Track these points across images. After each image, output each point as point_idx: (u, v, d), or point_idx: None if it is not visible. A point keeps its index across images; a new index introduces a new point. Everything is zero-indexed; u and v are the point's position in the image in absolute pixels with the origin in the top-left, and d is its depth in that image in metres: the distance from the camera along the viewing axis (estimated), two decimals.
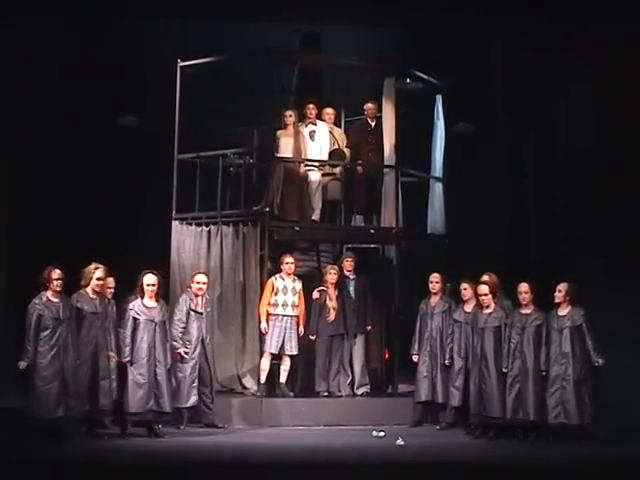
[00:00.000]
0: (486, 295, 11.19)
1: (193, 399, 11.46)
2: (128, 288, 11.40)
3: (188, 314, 11.55)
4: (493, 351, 11.02)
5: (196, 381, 11.47)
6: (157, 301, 11.06)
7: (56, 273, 10.48)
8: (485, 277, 11.49)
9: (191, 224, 12.91)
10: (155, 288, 11.01)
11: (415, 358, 11.96)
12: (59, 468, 9.30)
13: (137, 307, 10.94)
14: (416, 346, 11.96)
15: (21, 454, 9.73)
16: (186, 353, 11.41)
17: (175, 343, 11.42)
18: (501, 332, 11.04)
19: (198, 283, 11.64)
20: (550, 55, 13.22)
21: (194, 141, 12.98)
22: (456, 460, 10.01)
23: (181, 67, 13.05)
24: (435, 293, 12.01)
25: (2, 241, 11.99)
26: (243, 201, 12.71)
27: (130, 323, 10.89)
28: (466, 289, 11.67)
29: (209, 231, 12.81)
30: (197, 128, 13.06)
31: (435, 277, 12.03)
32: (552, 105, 13.43)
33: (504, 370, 10.94)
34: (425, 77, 13.44)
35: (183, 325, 11.52)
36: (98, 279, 10.76)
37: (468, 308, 11.66)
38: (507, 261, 13.21)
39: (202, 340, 11.54)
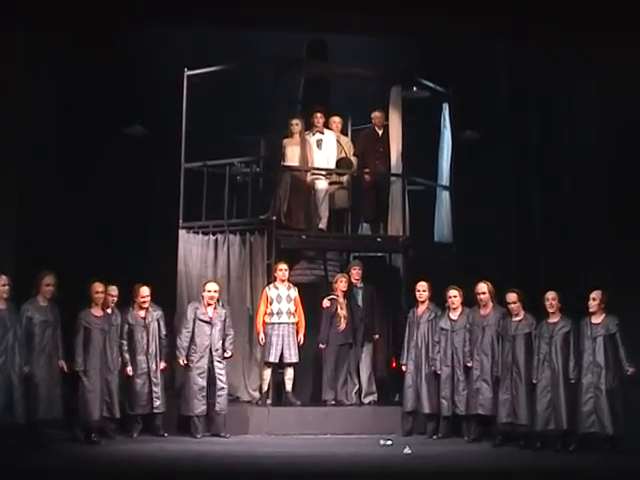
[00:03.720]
0: (514, 303, 11.14)
1: (201, 408, 11.46)
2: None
3: (194, 322, 11.57)
4: (524, 358, 10.99)
5: (204, 390, 11.47)
6: (104, 309, 11.13)
7: (2, 279, 10.46)
8: (482, 284, 11.47)
9: (198, 233, 12.92)
10: (104, 296, 11.09)
11: (404, 368, 11.93)
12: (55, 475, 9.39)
13: (86, 317, 11.03)
14: (405, 355, 11.94)
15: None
16: (188, 363, 11.45)
17: (177, 352, 11.52)
18: (532, 339, 11.01)
19: (209, 292, 11.65)
20: (555, 61, 13.22)
21: (201, 150, 13.00)
22: (464, 469, 10.00)
23: (188, 76, 13.08)
24: (422, 302, 11.95)
25: (10, 249, 11.97)
26: (250, 210, 12.73)
27: (81, 333, 10.96)
28: (456, 296, 11.65)
29: (216, 240, 12.81)
30: (204, 137, 13.09)
31: (422, 285, 11.96)
32: (558, 112, 13.41)
33: (533, 381, 10.89)
34: (431, 85, 13.45)
35: (189, 334, 11.55)
36: (47, 285, 10.72)
37: (454, 316, 11.64)
38: (514, 269, 13.17)
39: (210, 349, 11.53)
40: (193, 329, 11.56)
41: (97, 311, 11.11)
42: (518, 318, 11.17)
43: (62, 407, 10.78)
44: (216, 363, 11.52)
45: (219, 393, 11.50)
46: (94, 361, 10.96)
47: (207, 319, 11.58)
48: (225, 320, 11.68)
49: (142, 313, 11.53)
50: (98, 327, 11.03)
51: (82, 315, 11.04)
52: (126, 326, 11.47)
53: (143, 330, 11.47)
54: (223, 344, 11.62)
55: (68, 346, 10.97)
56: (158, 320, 11.58)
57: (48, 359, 10.67)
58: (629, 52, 11.98)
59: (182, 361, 11.51)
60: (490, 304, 11.46)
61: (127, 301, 11.66)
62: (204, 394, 11.47)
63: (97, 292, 11.07)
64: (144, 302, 11.50)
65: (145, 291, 11.53)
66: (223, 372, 11.56)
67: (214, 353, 11.53)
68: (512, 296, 11.19)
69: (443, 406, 11.56)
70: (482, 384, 11.32)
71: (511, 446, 11.00)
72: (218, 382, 11.50)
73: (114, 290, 11.39)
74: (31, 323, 10.62)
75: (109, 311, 11.30)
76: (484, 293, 11.46)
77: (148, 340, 11.45)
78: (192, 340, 11.54)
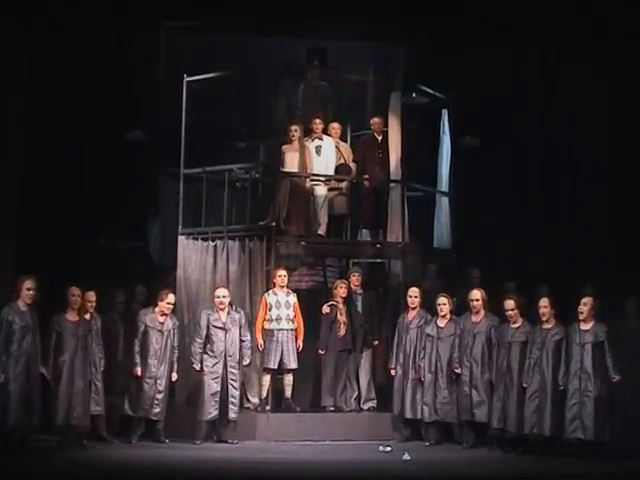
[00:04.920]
0: (512, 310, 11.15)
1: (213, 413, 11.47)
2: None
3: (208, 329, 11.57)
4: (518, 365, 11.00)
5: (217, 396, 11.46)
6: (81, 315, 11.02)
7: None
8: (476, 292, 11.47)
9: (197, 239, 12.89)
10: (80, 300, 11.00)
11: (392, 372, 11.95)
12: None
13: (60, 321, 10.93)
14: (393, 360, 11.96)
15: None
16: (202, 368, 11.45)
17: (192, 358, 11.53)
18: (527, 347, 11.01)
19: (218, 297, 11.68)
20: (556, 68, 13.23)
21: (200, 156, 13.00)
22: (462, 475, 9.99)
23: (187, 82, 13.07)
24: (413, 307, 11.95)
25: (8, 253, 11.99)
26: (249, 216, 12.73)
27: (53, 337, 10.87)
28: (445, 304, 11.64)
29: (215, 246, 12.79)
30: (203, 143, 13.08)
31: (414, 291, 11.98)
32: (558, 119, 13.42)
33: (524, 385, 10.91)
34: (431, 91, 13.46)
35: (202, 340, 11.56)
36: (28, 289, 10.61)
37: (442, 323, 11.64)
38: (514, 275, 13.15)
39: (225, 355, 11.52)
40: (208, 335, 11.56)
41: (72, 316, 10.99)
42: (516, 325, 11.17)
43: (41, 413, 10.64)
44: (230, 369, 11.54)
45: (232, 400, 11.51)
46: (62, 366, 10.81)
47: (220, 325, 11.59)
48: (241, 325, 11.70)
49: (162, 319, 11.51)
50: (70, 332, 10.89)
51: (55, 319, 10.93)
52: (142, 326, 11.45)
53: (159, 334, 11.46)
54: (240, 350, 11.62)
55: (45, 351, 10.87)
56: (174, 330, 11.60)
57: (26, 365, 10.52)
58: (629, 54, 12.02)
59: (197, 367, 11.50)
60: (482, 311, 11.46)
61: (129, 305, 11.80)
62: (217, 399, 11.47)
63: (73, 295, 10.95)
64: (168, 309, 11.52)
65: (172, 298, 11.59)
66: (236, 378, 11.59)
67: (228, 359, 11.54)
68: (510, 303, 11.19)
69: (424, 412, 11.57)
70: (472, 391, 11.31)
71: (500, 451, 11.03)
72: (231, 389, 11.51)
73: (92, 296, 11.24)
74: (11, 328, 10.49)
75: (87, 317, 11.12)
76: (477, 300, 11.46)
77: (162, 346, 11.44)
78: (207, 346, 11.55)
